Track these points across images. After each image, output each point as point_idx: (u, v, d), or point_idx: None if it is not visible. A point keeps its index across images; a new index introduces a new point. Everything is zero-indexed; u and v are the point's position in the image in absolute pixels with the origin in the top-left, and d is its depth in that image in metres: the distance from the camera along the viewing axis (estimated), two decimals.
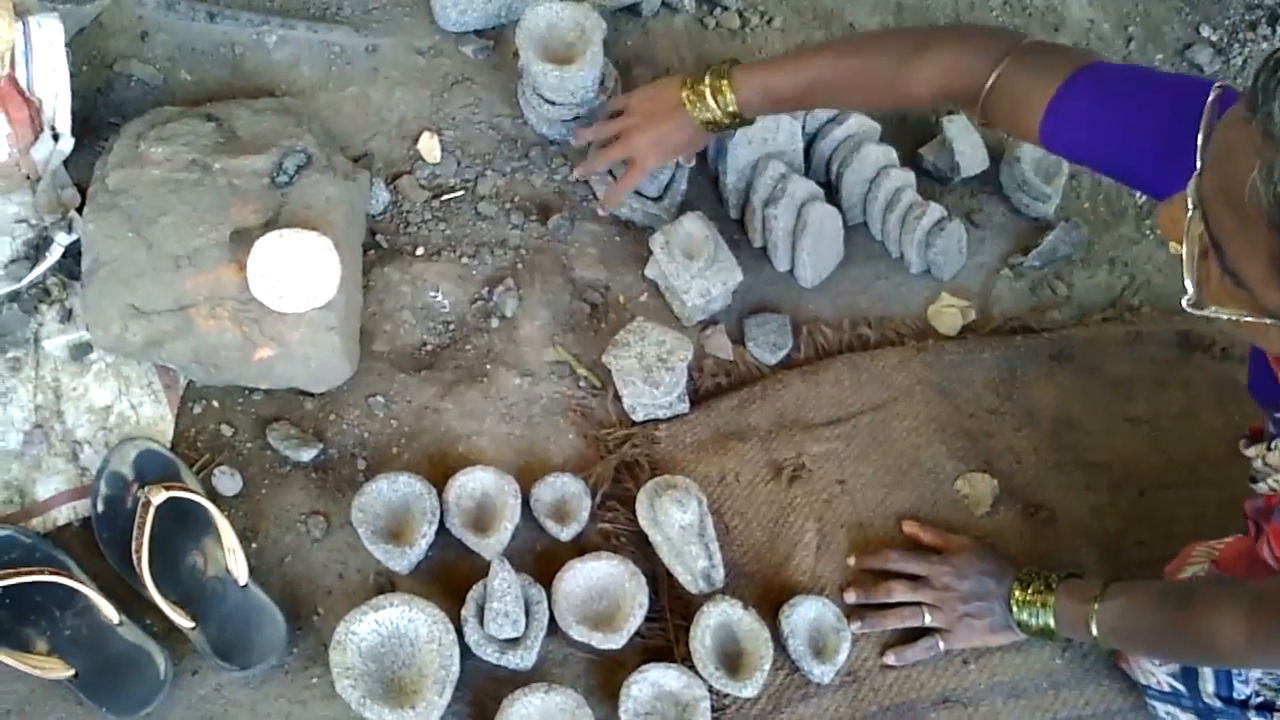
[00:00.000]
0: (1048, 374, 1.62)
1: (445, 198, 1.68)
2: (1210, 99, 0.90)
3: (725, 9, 1.90)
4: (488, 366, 1.55)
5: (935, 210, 1.66)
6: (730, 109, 1.48)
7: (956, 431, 1.56)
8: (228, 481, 1.44)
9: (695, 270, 1.56)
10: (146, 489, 1.34)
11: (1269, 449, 1.17)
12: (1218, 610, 1.18)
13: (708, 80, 1.48)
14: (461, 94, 1.76)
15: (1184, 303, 0.93)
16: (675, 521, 1.40)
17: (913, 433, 1.56)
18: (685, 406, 1.56)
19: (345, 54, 1.76)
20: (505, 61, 1.78)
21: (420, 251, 1.63)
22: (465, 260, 1.63)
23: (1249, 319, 0.89)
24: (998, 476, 1.53)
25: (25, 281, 1.49)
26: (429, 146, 1.71)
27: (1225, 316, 0.91)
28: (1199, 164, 0.89)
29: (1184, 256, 0.91)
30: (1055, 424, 1.59)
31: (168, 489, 1.34)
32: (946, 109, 1.44)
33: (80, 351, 1.49)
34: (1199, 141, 0.88)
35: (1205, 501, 1.51)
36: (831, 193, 1.70)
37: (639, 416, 1.54)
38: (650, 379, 1.48)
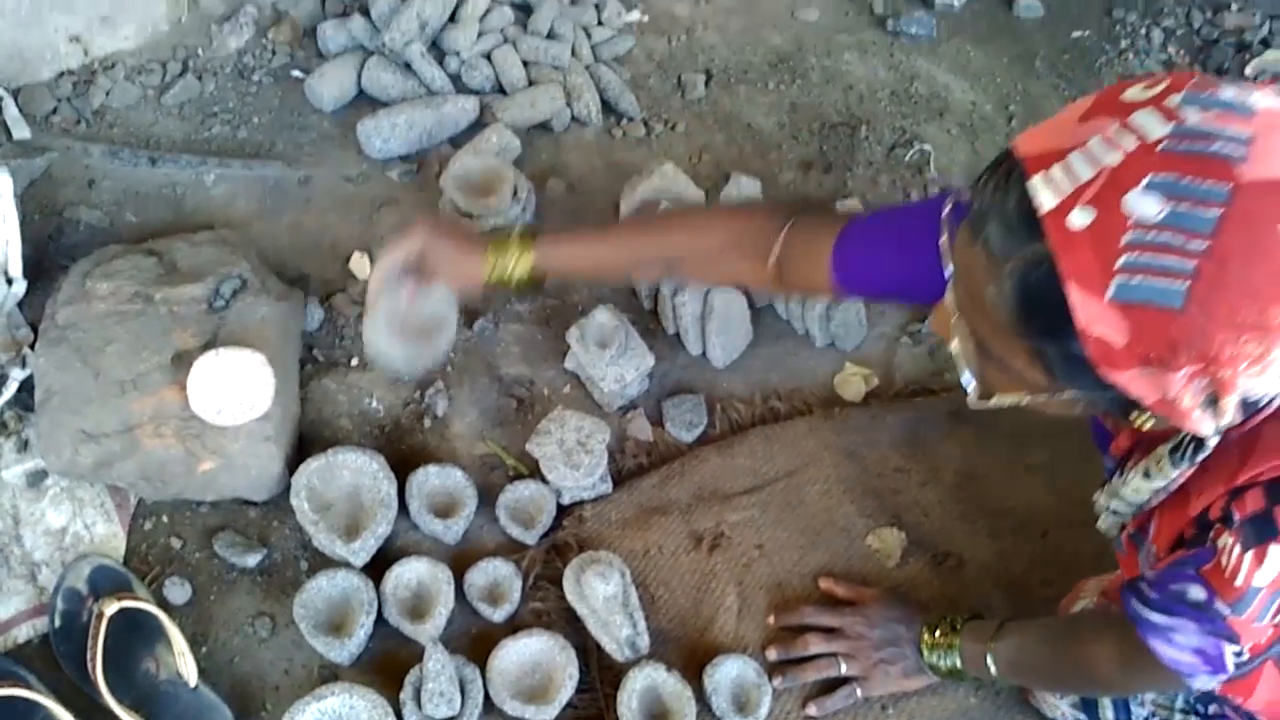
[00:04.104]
0: (949, 431, 1.73)
1: None
2: (945, 213, 1.00)
3: (630, 119, 2.05)
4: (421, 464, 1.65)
5: None
6: (524, 270, 1.46)
7: (865, 491, 1.66)
8: (178, 590, 1.52)
9: (609, 358, 1.68)
10: (100, 601, 1.43)
11: (1102, 489, 1.26)
12: (1095, 641, 1.26)
13: (514, 237, 1.47)
14: (389, 214, 1.90)
15: (969, 399, 1.03)
16: (599, 594, 1.48)
17: (824, 495, 1.66)
18: (609, 487, 1.65)
19: (279, 186, 1.90)
20: (428, 182, 1.92)
21: (355, 362, 1.74)
22: None
23: (1026, 399, 0.99)
24: (906, 529, 1.62)
25: None
26: (360, 265, 1.83)
27: (1009, 403, 1.00)
28: (947, 274, 0.99)
29: (956, 352, 1.01)
30: (958, 477, 1.69)
31: (120, 600, 1.43)
32: (740, 281, 1.55)
33: (37, 478, 1.59)
34: (943, 252, 0.99)
35: (1104, 539, 1.59)
36: None
37: (566, 499, 1.64)
38: (571, 462, 1.58)
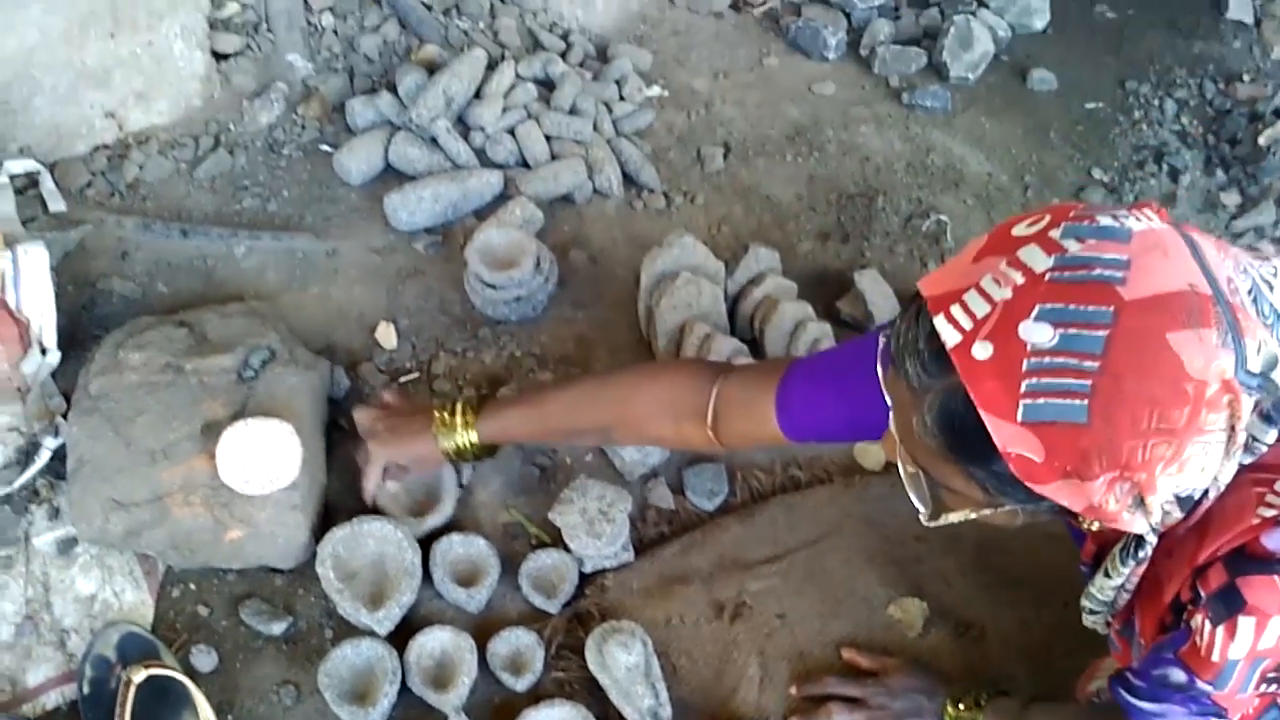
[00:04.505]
0: None
1: (402, 380, 1.83)
2: (880, 348, 1.06)
3: (651, 191, 2.10)
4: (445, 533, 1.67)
5: None
6: (472, 442, 1.59)
7: (886, 560, 1.67)
8: (204, 658, 1.54)
9: None
10: (128, 669, 1.45)
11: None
12: None
13: (459, 413, 1.59)
14: (414, 285, 1.93)
15: (923, 520, 1.09)
16: (621, 663, 1.49)
17: (846, 564, 1.66)
18: (630, 555, 1.67)
19: (308, 258, 1.94)
20: (453, 253, 1.96)
21: None
22: None
23: (973, 514, 1.05)
24: (927, 599, 1.63)
25: (16, 485, 1.62)
26: (385, 334, 1.87)
27: (958, 519, 1.07)
28: (889, 403, 1.05)
29: (905, 477, 1.07)
30: (979, 546, 1.69)
31: (148, 667, 1.44)
32: (679, 443, 1.59)
33: (67, 546, 1.61)
34: (883, 385, 1.05)
35: None
36: (755, 348, 1.85)
37: (588, 568, 1.65)
38: (593, 531, 1.60)
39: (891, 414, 1.05)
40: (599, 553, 1.63)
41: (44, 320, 1.69)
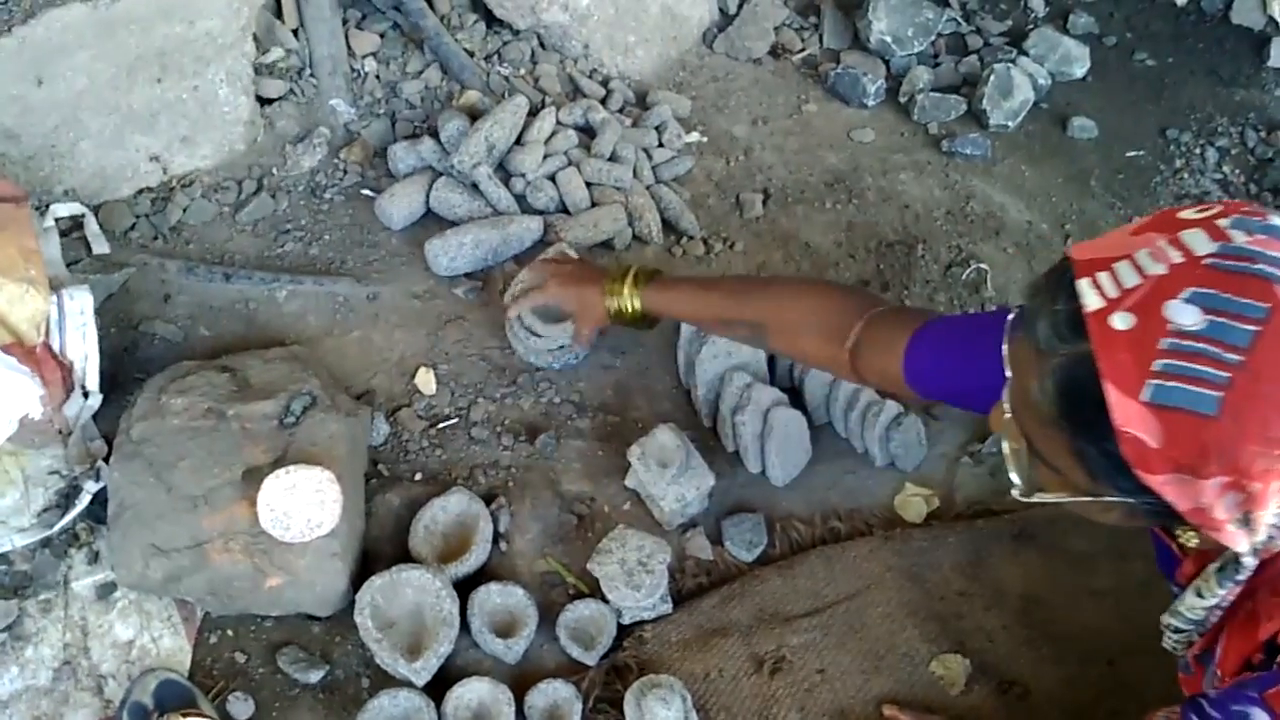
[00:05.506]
0: (1012, 554, 1.71)
1: (441, 426, 1.83)
2: (1010, 319, 1.05)
3: (690, 238, 2.10)
4: (483, 580, 1.66)
5: (892, 406, 1.79)
6: (635, 306, 1.71)
7: (928, 615, 1.65)
8: (241, 706, 1.53)
9: (669, 477, 1.69)
10: (165, 717, 1.44)
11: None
12: None
13: (629, 278, 1.71)
14: (454, 331, 1.93)
15: (1014, 492, 1.06)
16: (660, 718, 1.47)
17: (887, 619, 1.64)
18: (669, 607, 1.65)
19: (349, 303, 1.95)
20: (493, 299, 1.96)
21: (419, 477, 1.77)
22: (460, 483, 1.76)
23: (1069, 499, 1.02)
24: (970, 656, 1.60)
25: (56, 528, 1.63)
26: (425, 380, 1.87)
27: (1051, 500, 1.04)
28: (1007, 374, 1.03)
29: (1007, 452, 1.06)
30: (1023, 601, 1.67)
31: (185, 716, 1.44)
32: (818, 360, 1.61)
33: (106, 590, 1.62)
34: (1004, 358, 1.03)
35: (1173, 667, 1.56)
36: (796, 397, 1.84)
37: (626, 619, 1.64)
38: (632, 582, 1.59)
39: (1008, 384, 1.03)
40: (637, 604, 1.61)
41: (87, 364, 1.71)
